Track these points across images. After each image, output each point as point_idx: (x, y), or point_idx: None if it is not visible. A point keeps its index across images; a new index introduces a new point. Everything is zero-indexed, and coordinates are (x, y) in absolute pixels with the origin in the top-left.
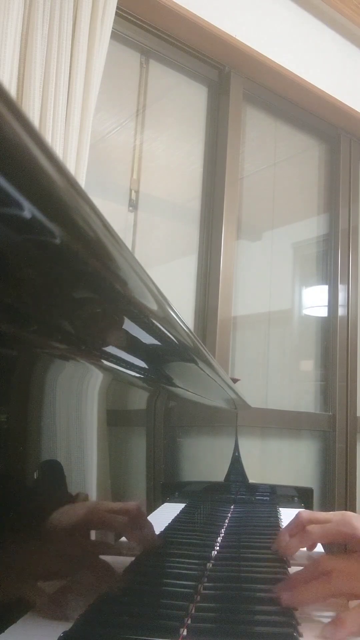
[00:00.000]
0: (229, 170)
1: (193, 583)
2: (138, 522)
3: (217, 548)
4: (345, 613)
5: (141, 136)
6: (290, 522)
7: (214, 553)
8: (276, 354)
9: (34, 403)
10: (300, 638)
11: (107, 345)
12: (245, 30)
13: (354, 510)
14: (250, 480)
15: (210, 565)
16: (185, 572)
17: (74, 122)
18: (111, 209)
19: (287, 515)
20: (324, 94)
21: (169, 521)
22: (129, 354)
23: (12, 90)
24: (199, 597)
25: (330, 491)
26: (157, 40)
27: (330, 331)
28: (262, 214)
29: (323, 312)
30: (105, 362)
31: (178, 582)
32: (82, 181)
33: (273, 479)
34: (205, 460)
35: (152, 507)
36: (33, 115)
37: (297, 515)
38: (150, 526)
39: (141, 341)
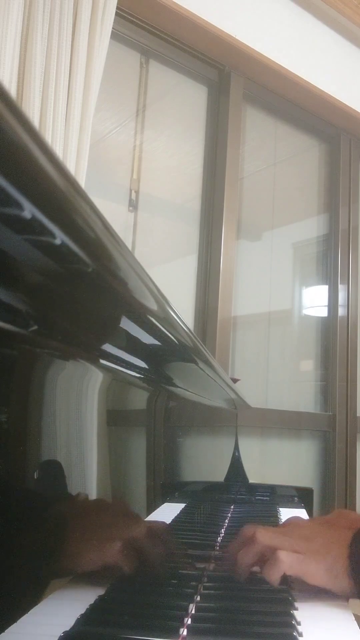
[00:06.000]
0: (229, 170)
1: (193, 583)
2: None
3: (217, 548)
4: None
5: (141, 136)
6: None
7: (214, 553)
8: (276, 354)
9: (35, 403)
10: (300, 638)
11: (107, 345)
12: (245, 30)
13: (354, 510)
14: (250, 481)
15: (210, 566)
16: (186, 572)
17: (74, 122)
18: (111, 209)
19: (287, 515)
20: (324, 94)
21: (169, 521)
22: (129, 354)
23: (12, 90)
24: (199, 597)
25: (330, 491)
26: (157, 40)
27: (330, 331)
28: (262, 214)
29: (323, 312)
30: (106, 362)
31: (178, 582)
32: (82, 181)
33: (273, 479)
34: (205, 461)
35: (152, 507)
36: (33, 115)
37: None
38: (156, 551)
39: (141, 341)
